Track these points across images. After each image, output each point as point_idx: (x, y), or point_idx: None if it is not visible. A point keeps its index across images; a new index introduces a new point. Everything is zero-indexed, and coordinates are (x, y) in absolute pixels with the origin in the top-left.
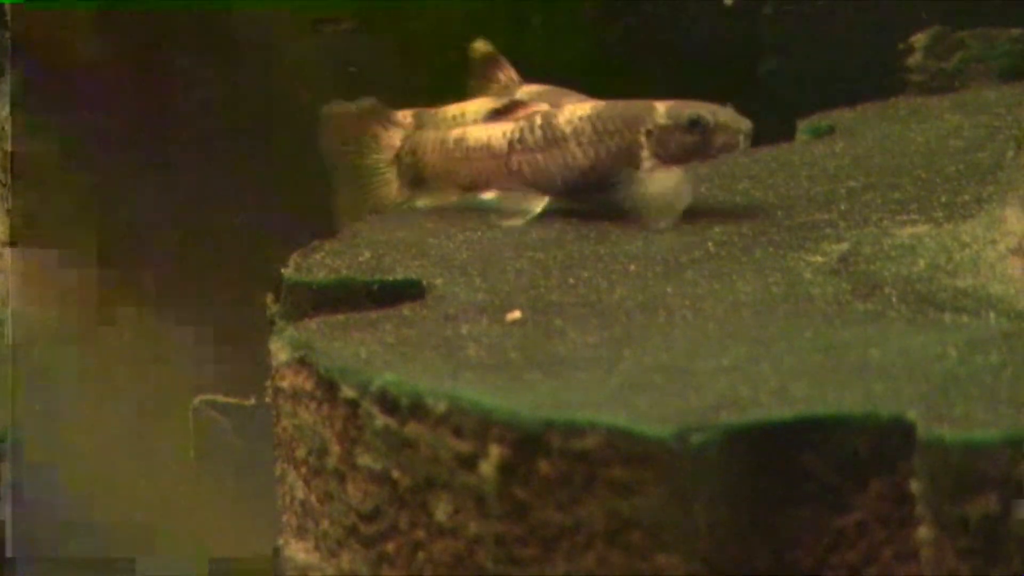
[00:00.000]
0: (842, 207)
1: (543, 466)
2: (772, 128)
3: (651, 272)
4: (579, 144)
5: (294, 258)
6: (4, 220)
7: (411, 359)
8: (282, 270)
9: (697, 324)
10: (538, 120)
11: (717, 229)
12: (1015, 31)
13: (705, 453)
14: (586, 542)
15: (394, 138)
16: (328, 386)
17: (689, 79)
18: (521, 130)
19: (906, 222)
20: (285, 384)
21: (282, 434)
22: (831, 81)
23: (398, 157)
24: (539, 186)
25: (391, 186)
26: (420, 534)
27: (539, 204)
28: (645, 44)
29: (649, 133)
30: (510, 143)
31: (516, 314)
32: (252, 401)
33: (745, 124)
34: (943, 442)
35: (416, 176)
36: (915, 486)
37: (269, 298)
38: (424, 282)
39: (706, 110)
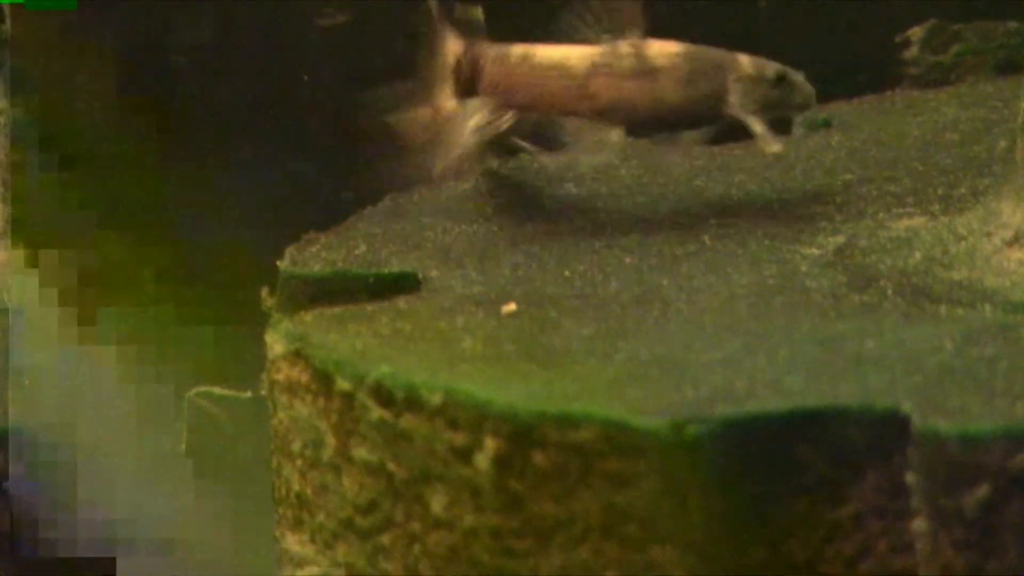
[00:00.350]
0: (838, 200)
1: (538, 458)
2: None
3: (647, 264)
4: (672, 79)
5: (290, 251)
6: (3, 211)
7: (406, 352)
8: (278, 263)
9: (693, 316)
10: (626, 48)
11: (713, 221)
12: (1012, 24)
13: (700, 445)
14: (581, 534)
15: (455, 44)
16: (324, 379)
17: None
18: (607, 54)
19: (902, 215)
20: (281, 377)
21: (278, 427)
22: (828, 74)
23: (458, 65)
24: (615, 117)
25: (447, 94)
26: (416, 526)
27: (619, 136)
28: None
29: (738, 80)
30: (593, 65)
31: (512, 307)
32: (249, 394)
33: (812, 90)
34: (939, 434)
35: (471, 88)
36: (911, 478)
37: (265, 291)
38: (420, 275)
39: (786, 69)
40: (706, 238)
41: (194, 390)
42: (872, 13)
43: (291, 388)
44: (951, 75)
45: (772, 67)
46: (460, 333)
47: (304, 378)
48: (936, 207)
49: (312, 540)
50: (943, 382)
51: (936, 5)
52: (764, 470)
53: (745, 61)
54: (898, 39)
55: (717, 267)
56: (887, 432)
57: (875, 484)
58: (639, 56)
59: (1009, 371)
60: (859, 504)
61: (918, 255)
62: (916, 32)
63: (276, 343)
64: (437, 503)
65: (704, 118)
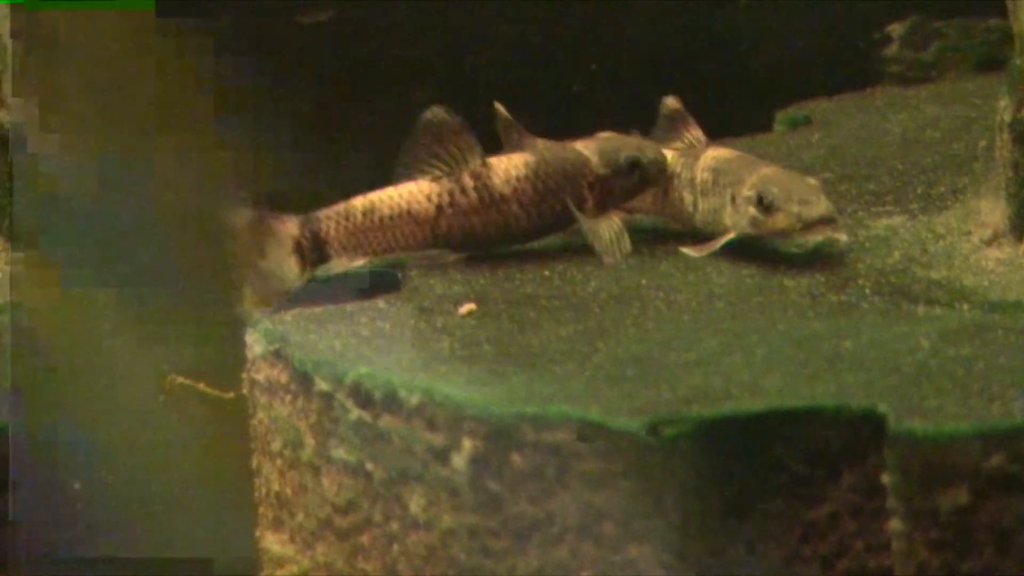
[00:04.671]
0: None
1: (516, 459)
2: (749, 119)
3: (626, 264)
4: (519, 205)
5: None
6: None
7: (385, 352)
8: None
9: (671, 316)
10: (469, 180)
11: None
12: (992, 21)
13: (677, 445)
14: (559, 534)
15: (291, 228)
16: (303, 379)
17: (666, 71)
18: (451, 191)
19: (881, 213)
20: (261, 377)
21: (258, 426)
22: (808, 71)
23: (298, 245)
24: (468, 247)
25: (293, 274)
26: (394, 526)
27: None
28: (621, 36)
29: (592, 184)
30: (438, 206)
31: (470, 306)
32: (231, 394)
33: (665, 161)
34: (914, 434)
35: (320, 255)
36: (886, 478)
37: (247, 291)
38: (399, 274)
39: (634, 148)
40: (685, 237)
41: (177, 380)
42: (852, 10)
43: (270, 388)
44: (931, 72)
45: (623, 154)
46: (439, 333)
47: (283, 378)
48: (915, 205)
49: (292, 540)
50: (919, 382)
51: (916, 2)
52: (740, 470)
53: (595, 159)
54: (878, 36)
55: (696, 267)
56: (863, 432)
57: (851, 484)
58: (483, 187)
59: (986, 371)
60: (835, 504)
61: (897, 254)
62: (896, 29)
63: (256, 343)
64: (415, 503)
65: (564, 225)
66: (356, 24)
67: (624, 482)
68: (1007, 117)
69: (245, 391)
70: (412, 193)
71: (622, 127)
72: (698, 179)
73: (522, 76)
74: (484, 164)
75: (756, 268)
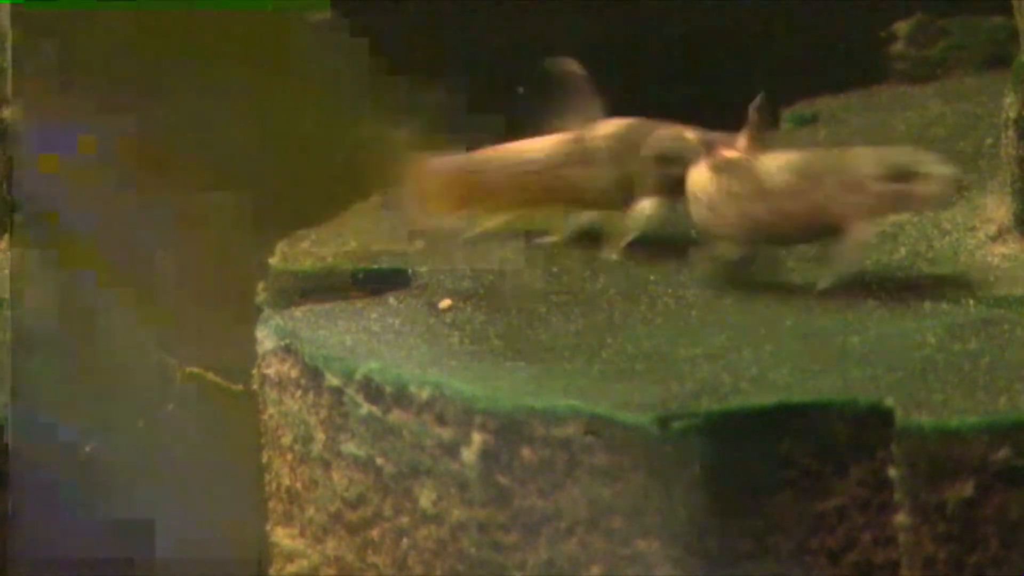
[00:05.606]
0: None
1: (525, 453)
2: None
3: (634, 260)
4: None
5: (281, 247)
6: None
7: (395, 347)
8: (269, 259)
9: (679, 312)
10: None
11: None
12: (997, 19)
13: (686, 439)
14: (568, 528)
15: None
16: (313, 374)
17: (675, 67)
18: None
19: None
20: (271, 372)
21: (268, 421)
22: (815, 69)
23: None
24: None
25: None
26: (404, 520)
27: None
28: (631, 33)
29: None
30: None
31: (448, 302)
32: (240, 387)
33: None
34: (921, 428)
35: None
36: (893, 472)
37: (260, 286)
38: (409, 270)
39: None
40: (693, 233)
41: (188, 369)
42: (858, 8)
43: (281, 383)
44: (937, 70)
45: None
46: (449, 328)
47: (294, 373)
48: None
49: (302, 534)
50: (926, 377)
51: (922, 1)
52: (749, 464)
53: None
54: (884, 34)
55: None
56: (870, 426)
57: (859, 478)
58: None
59: (991, 366)
60: (843, 497)
61: (903, 250)
62: (902, 27)
63: (266, 338)
64: (425, 497)
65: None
66: None
67: (633, 476)
68: (1012, 114)
69: (256, 386)
70: (534, 145)
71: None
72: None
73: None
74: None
75: (764, 264)
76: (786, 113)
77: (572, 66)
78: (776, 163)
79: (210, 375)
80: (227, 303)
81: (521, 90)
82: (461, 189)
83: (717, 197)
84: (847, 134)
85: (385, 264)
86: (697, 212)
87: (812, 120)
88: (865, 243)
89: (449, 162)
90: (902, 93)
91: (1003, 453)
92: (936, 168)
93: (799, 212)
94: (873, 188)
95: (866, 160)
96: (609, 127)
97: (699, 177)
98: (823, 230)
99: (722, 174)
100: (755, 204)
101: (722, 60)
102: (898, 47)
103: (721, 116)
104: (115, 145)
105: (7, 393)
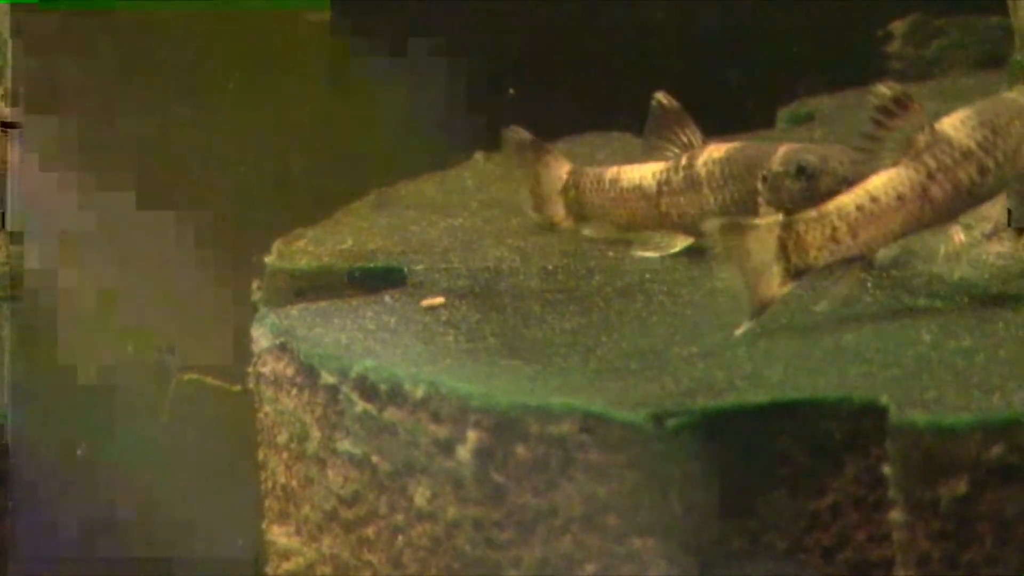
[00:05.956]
0: None
1: (520, 451)
2: (752, 115)
3: (629, 258)
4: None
5: (277, 245)
6: None
7: (391, 345)
8: (265, 257)
9: (674, 310)
10: (682, 160)
11: None
12: (993, 18)
13: (680, 437)
14: (563, 526)
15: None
16: (308, 372)
17: (671, 67)
18: (667, 171)
19: None
20: (267, 370)
21: (264, 420)
22: (811, 68)
23: (564, 190)
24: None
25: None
26: (399, 518)
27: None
28: (629, 34)
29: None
30: (658, 183)
31: (437, 300)
32: (238, 387)
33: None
34: (915, 426)
35: (579, 211)
36: (888, 469)
37: (255, 284)
38: (405, 269)
39: (814, 155)
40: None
41: (185, 375)
42: (855, 7)
43: (277, 381)
44: (933, 69)
45: (802, 157)
46: (444, 327)
47: (289, 371)
48: None
49: (298, 532)
50: (920, 374)
51: (918, 0)
52: (743, 461)
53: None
54: (881, 33)
55: (699, 261)
56: (865, 424)
57: (853, 475)
58: (689, 169)
59: (986, 363)
60: (838, 495)
61: (897, 248)
62: (899, 26)
63: (262, 337)
64: (420, 495)
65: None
66: None
67: (628, 473)
68: None
69: (251, 385)
70: (644, 171)
71: (622, 123)
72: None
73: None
74: (696, 149)
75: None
76: (783, 112)
77: (667, 99)
78: None
79: (208, 379)
80: None
81: (512, 92)
82: (579, 201)
83: None
84: (843, 133)
85: (381, 262)
86: None
87: (808, 119)
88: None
89: (589, 172)
90: None
91: (997, 450)
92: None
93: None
94: None
95: None
96: (715, 152)
97: None
98: None
99: None
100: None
101: (719, 60)
102: (895, 46)
103: (719, 115)
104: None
105: (7, 393)
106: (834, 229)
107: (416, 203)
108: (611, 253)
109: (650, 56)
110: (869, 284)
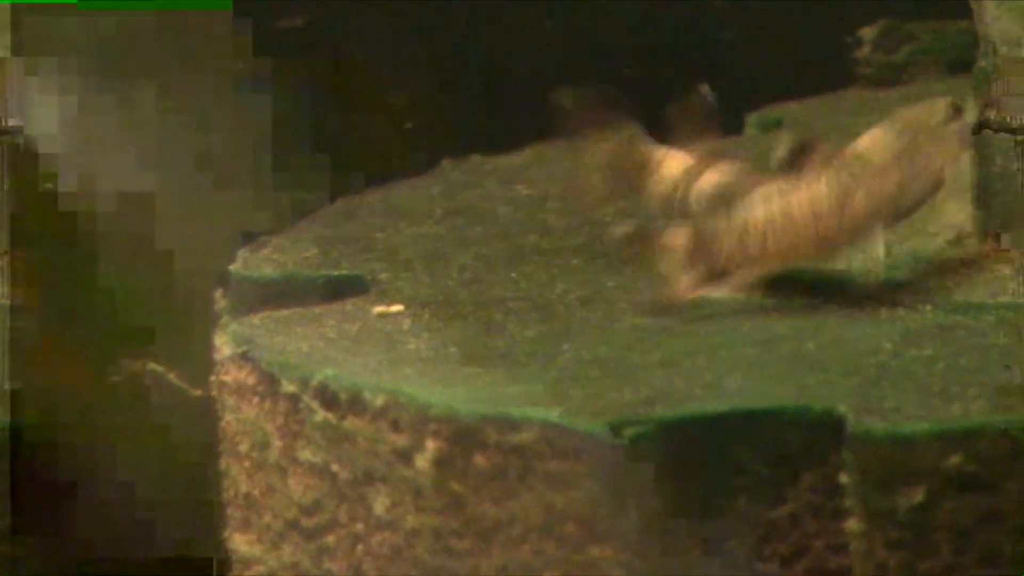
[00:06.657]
0: None
1: (479, 460)
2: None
3: (592, 266)
4: None
5: (242, 253)
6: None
7: (352, 353)
8: (229, 265)
9: (635, 318)
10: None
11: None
12: (963, 23)
13: (638, 446)
14: (521, 534)
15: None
16: (270, 381)
17: (636, 71)
18: None
19: None
20: (229, 379)
21: (226, 428)
22: (780, 73)
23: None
24: None
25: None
26: (359, 527)
27: None
28: (590, 35)
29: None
30: None
31: (394, 307)
32: (199, 392)
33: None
34: (872, 435)
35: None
36: (845, 478)
37: (218, 292)
38: (368, 277)
39: None
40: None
41: (151, 366)
42: (824, 12)
43: (238, 390)
44: (903, 75)
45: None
46: (406, 335)
47: (251, 380)
48: None
49: (259, 540)
50: (880, 383)
51: (888, 5)
52: (702, 470)
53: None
54: (850, 38)
55: None
56: (823, 433)
57: (811, 484)
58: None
59: (946, 372)
60: (796, 504)
61: (860, 256)
62: (868, 32)
63: (224, 345)
64: (380, 504)
65: None
66: None
67: (587, 483)
68: (972, 119)
69: (214, 393)
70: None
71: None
72: None
73: (496, 73)
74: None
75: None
76: (751, 117)
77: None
78: None
79: (172, 376)
80: None
81: None
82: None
83: None
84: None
85: (344, 271)
86: None
87: (777, 125)
88: None
89: None
90: (868, 98)
91: (955, 459)
92: None
93: None
94: None
95: None
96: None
97: None
98: None
99: None
100: None
101: (687, 65)
102: (864, 52)
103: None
104: None
105: (7, 393)
106: (742, 239)
107: (383, 210)
108: (575, 261)
109: (619, 59)
110: (831, 291)
